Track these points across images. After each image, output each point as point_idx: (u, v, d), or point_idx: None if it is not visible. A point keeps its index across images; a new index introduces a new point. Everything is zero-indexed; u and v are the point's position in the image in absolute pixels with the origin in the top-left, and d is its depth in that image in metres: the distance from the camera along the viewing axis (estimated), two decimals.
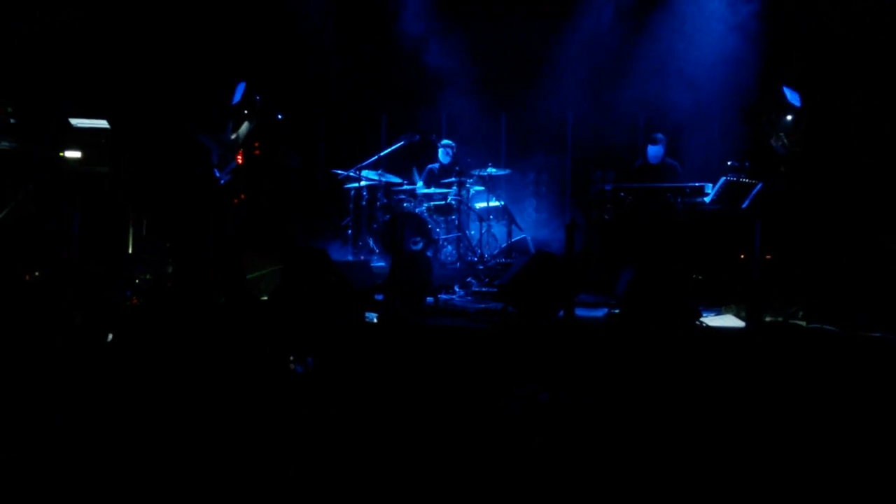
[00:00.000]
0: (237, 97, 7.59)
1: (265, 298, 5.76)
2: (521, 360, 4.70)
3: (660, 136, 7.68)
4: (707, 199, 6.91)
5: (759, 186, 6.66)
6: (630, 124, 8.80)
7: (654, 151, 7.64)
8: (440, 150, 8.33)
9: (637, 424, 3.41)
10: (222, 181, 7.50)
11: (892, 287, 5.85)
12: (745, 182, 6.71)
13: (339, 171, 8.01)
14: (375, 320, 5.15)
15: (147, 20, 8.07)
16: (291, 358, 3.79)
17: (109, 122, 6.72)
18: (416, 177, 8.29)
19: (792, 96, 6.70)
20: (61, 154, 6.53)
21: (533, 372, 4.49)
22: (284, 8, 8.83)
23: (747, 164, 6.94)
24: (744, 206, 6.69)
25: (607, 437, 3.24)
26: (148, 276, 6.35)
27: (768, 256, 6.68)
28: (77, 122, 6.68)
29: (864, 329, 5.35)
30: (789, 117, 6.64)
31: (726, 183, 6.76)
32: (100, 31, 7.84)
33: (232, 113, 7.63)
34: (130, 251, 6.62)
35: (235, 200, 7.34)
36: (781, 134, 6.63)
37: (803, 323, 5.64)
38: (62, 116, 6.65)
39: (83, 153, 6.62)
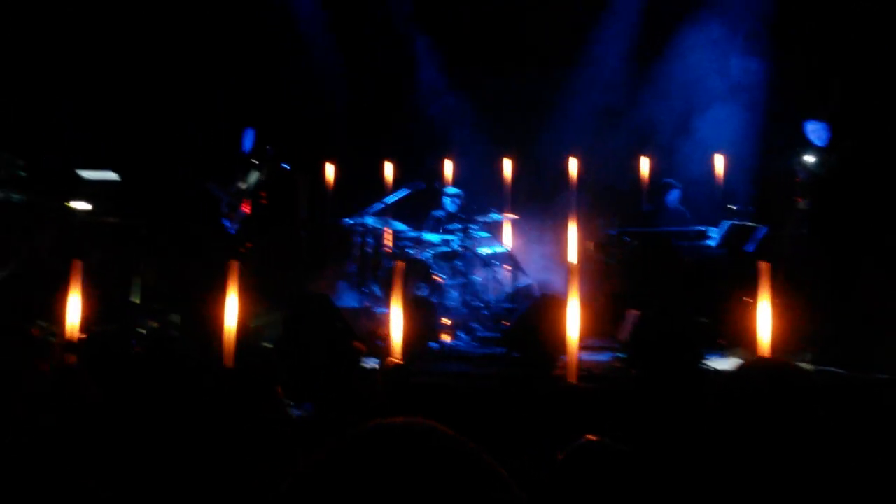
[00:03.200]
0: (247, 145, 7.69)
1: (269, 346, 5.77)
2: (525, 407, 4.66)
3: (675, 181, 7.77)
4: (713, 244, 6.91)
5: (764, 230, 6.67)
6: (634, 169, 8.85)
7: (674, 196, 7.71)
8: (447, 200, 8.34)
9: (646, 469, 3.36)
10: (231, 231, 7.57)
11: None
12: (749, 226, 6.73)
13: (345, 219, 8.08)
14: (377, 366, 5.15)
15: (157, 73, 8.27)
16: (290, 403, 3.79)
17: (119, 174, 6.85)
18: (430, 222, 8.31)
19: (813, 133, 6.67)
20: (68, 205, 6.64)
21: (538, 419, 4.45)
22: (293, 58, 9.02)
23: (751, 208, 6.96)
24: (749, 249, 6.69)
25: (617, 484, 3.19)
26: (154, 325, 6.38)
27: (776, 300, 6.63)
28: (87, 174, 6.81)
29: (871, 371, 5.29)
30: (812, 157, 6.60)
31: (731, 227, 6.78)
32: (111, 83, 8.04)
33: (242, 162, 7.73)
34: (137, 300, 6.66)
35: (242, 249, 7.39)
36: (810, 170, 6.57)
37: (811, 366, 5.58)
38: (72, 169, 6.78)
39: (93, 204, 6.73)
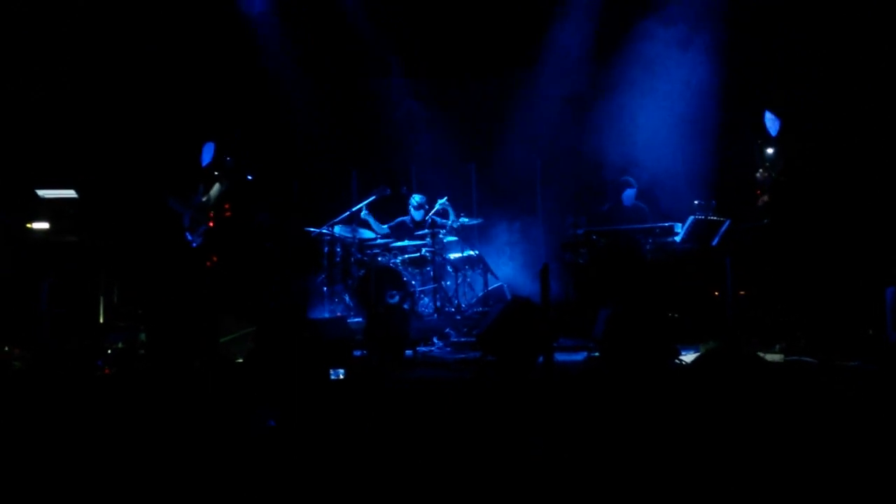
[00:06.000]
0: (206, 158, 7.58)
1: (240, 361, 5.68)
2: (503, 409, 4.65)
3: (631, 179, 7.84)
4: (678, 239, 6.99)
5: (727, 224, 6.76)
6: (599, 169, 8.91)
7: (629, 194, 7.79)
8: (412, 209, 8.33)
9: (623, 466, 3.37)
10: (194, 244, 7.44)
11: (868, 316, 5.91)
12: (713, 220, 6.82)
13: (312, 229, 8.00)
14: (342, 376, 5.09)
15: (114, 85, 8.09)
16: (259, 416, 3.73)
17: (77, 191, 6.67)
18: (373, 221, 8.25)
19: (771, 122, 6.81)
20: (29, 225, 6.45)
21: (516, 420, 4.44)
22: (253, 69, 8.91)
23: (714, 202, 7.06)
24: (714, 243, 6.78)
25: (594, 481, 3.20)
26: (120, 345, 6.23)
27: (742, 292, 6.75)
28: (44, 192, 6.62)
29: (841, 359, 5.40)
30: (771, 149, 6.75)
31: (695, 222, 6.86)
32: (65, 97, 7.85)
33: (202, 175, 7.61)
34: (102, 320, 6.50)
35: (208, 263, 7.27)
36: (767, 165, 6.71)
37: (781, 355, 5.67)
38: (29, 187, 6.59)
39: (51, 223, 6.54)
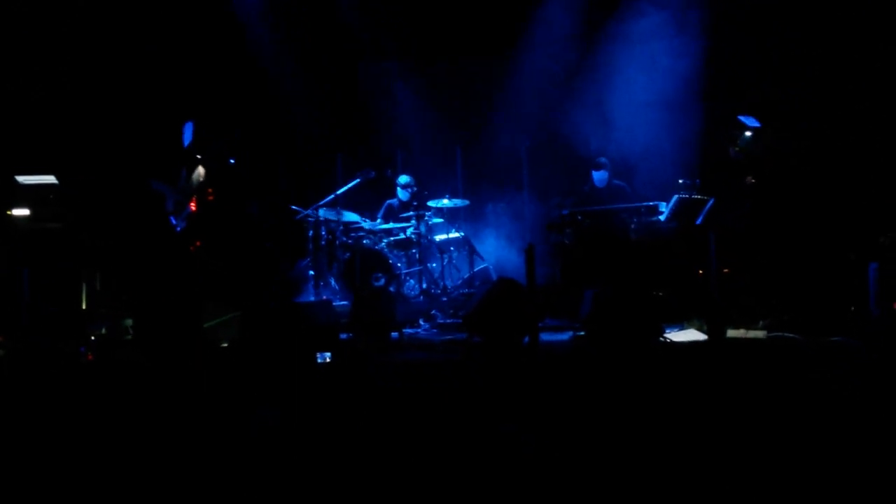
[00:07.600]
0: (187, 138, 7.48)
1: (225, 345, 5.66)
2: (490, 390, 4.66)
3: (604, 160, 7.83)
4: (662, 218, 7.01)
5: (711, 202, 6.79)
6: (583, 149, 8.91)
7: (599, 176, 7.79)
8: (399, 189, 8.29)
9: (611, 446, 3.38)
10: (178, 229, 7.38)
11: (850, 292, 5.97)
12: (697, 198, 6.84)
13: (297, 209, 7.96)
14: (328, 360, 5.08)
15: (93, 66, 7.98)
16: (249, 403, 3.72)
17: (58, 177, 6.59)
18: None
19: (749, 121, 6.87)
20: (8, 213, 6.37)
21: (503, 401, 4.45)
22: (237, 51, 8.81)
23: (698, 181, 7.08)
24: (697, 222, 6.81)
25: (581, 462, 3.21)
26: (103, 331, 6.19)
27: (726, 270, 6.79)
28: (24, 178, 6.54)
29: (824, 335, 5.44)
30: (749, 133, 6.80)
31: (679, 200, 6.88)
32: (44, 80, 7.74)
33: (185, 157, 7.53)
34: (84, 307, 6.45)
35: (191, 248, 7.22)
36: (741, 146, 6.76)
37: (764, 332, 5.72)
38: (8, 174, 6.51)
39: (31, 210, 6.46)
